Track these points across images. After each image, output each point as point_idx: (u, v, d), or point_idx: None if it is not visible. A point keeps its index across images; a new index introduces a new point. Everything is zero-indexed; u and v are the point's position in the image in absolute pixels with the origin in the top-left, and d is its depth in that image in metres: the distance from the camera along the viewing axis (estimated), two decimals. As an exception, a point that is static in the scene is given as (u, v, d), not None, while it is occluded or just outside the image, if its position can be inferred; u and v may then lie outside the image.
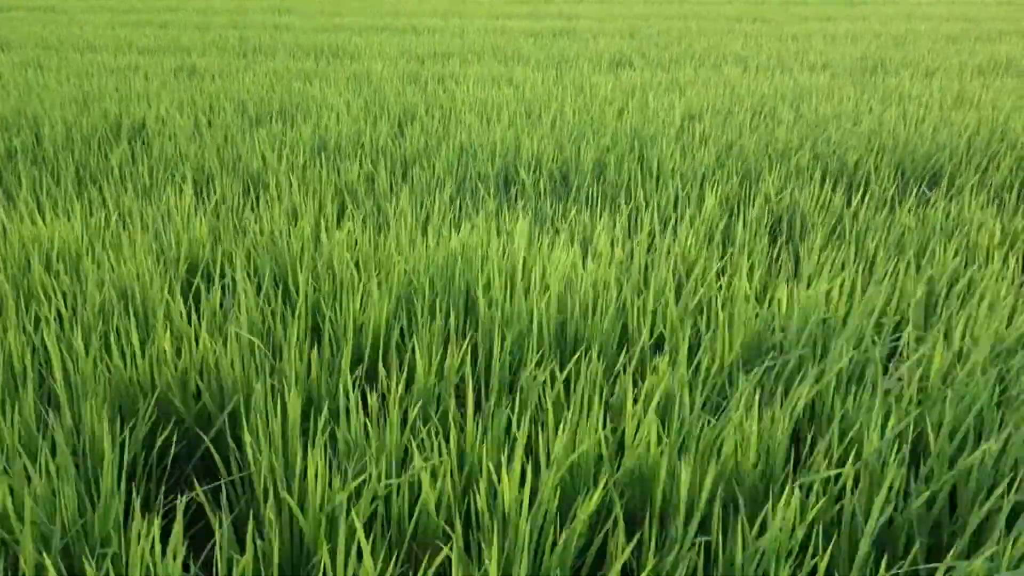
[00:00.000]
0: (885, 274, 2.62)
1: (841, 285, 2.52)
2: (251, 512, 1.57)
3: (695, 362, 1.88)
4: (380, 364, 1.90)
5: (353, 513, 1.39)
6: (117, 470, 1.53)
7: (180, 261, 2.61)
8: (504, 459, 1.45)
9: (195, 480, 1.84)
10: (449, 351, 1.94)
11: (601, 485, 1.45)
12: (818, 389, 1.89)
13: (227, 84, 6.15)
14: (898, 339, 2.42)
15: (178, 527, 1.32)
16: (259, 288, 2.60)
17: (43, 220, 3.16)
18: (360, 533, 1.29)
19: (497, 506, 1.45)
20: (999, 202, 3.59)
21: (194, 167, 3.83)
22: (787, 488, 1.43)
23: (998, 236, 2.83)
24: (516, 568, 1.36)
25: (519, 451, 1.46)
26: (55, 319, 2.16)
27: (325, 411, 1.66)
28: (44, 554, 1.33)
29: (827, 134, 4.36)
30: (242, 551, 1.72)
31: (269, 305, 2.32)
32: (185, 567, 1.71)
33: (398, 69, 7.18)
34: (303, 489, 1.57)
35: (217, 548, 1.39)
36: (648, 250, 2.73)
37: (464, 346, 2.02)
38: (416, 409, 1.70)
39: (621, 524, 1.41)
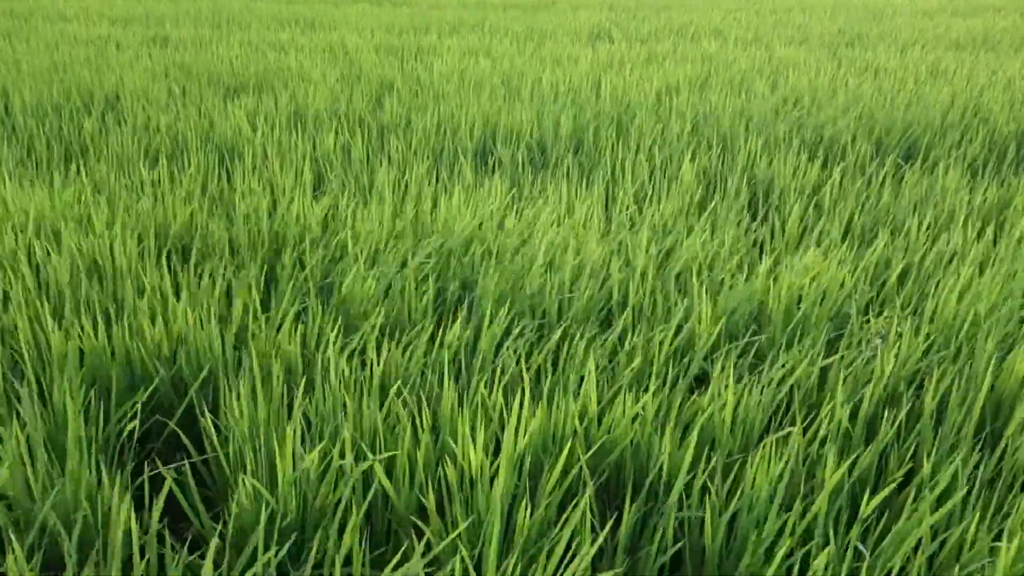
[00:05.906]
0: (862, 244, 2.64)
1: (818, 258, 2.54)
2: (227, 485, 1.57)
3: (675, 333, 1.89)
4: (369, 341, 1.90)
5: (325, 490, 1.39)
6: (88, 442, 1.52)
7: (155, 234, 2.58)
8: (480, 428, 1.46)
9: (177, 452, 1.83)
10: (438, 334, 1.94)
11: (566, 453, 1.46)
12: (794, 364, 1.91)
13: (201, 55, 6.06)
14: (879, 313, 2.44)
15: (158, 505, 1.32)
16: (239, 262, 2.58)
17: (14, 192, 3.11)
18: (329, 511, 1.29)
19: (466, 477, 1.46)
20: (973, 174, 3.62)
21: (169, 138, 3.78)
22: (763, 445, 1.44)
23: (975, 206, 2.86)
24: (487, 545, 1.37)
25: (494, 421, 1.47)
26: (25, 291, 2.14)
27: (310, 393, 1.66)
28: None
29: (804, 107, 4.37)
30: (218, 523, 1.72)
31: (252, 286, 2.31)
32: (161, 538, 1.71)
33: (375, 41, 7.10)
34: (275, 464, 1.57)
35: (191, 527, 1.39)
36: (627, 221, 2.73)
37: (456, 327, 2.02)
38: (395, 386, 1.71)
39: (589, 493, 1.42)
